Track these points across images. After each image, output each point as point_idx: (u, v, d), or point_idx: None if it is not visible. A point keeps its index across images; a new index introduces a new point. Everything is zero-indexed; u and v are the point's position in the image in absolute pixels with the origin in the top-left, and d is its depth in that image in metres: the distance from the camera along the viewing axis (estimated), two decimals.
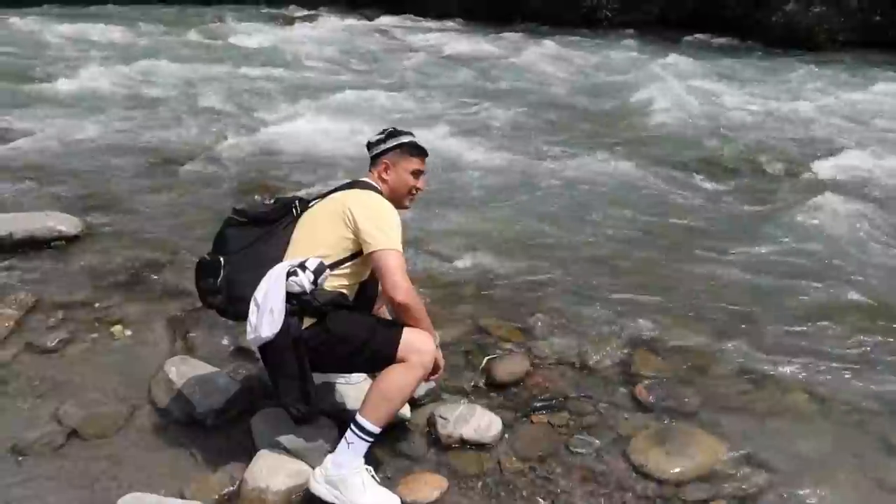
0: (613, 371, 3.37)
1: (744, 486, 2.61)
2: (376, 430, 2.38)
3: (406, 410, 2.90)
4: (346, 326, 2.42)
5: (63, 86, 8.86)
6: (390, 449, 2.76)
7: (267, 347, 2.42)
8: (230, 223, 2.61)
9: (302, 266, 2.36)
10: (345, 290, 2.52)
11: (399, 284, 2.37)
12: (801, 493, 2.60)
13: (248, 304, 2.37)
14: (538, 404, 3.10)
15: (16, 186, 5.32)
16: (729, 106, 9.50)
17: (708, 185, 6.30)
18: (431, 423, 2.88)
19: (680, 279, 4.37)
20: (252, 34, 14.76)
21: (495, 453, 2.77)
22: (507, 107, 8.93)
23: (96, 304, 3.71)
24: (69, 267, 4.09)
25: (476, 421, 2.85)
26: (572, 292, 4.15)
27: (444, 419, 2.85)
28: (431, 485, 2.56)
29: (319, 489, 2.37)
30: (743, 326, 3.81)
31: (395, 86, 9.87)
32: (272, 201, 2.72)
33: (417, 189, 2.73)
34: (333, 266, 2.46)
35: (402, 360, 2.36)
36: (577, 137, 7.79)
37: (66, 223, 4.48)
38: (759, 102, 9.80)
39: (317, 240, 2.49)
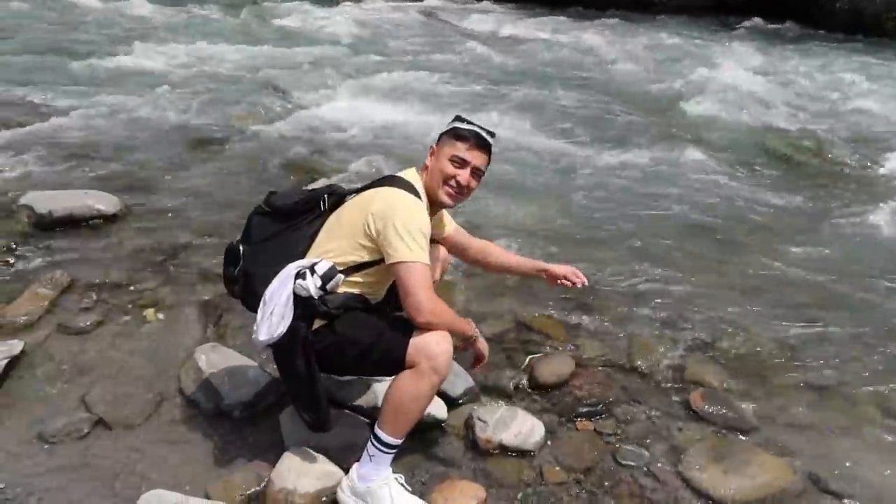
0: (666, 376, 3.16)
1: None
2: (396, 441, 2.22)
3: (442, 411, 2.74)
4: (354, 328, 2.25)
5: (109, 63, 8.86)
6: (424, 453, 2.61)
7: (274, 349, 2.29)
8: (257, 210, 2.46)
9: (312, 269, 2.20)
10: (368, 294, 2.35)
11: (420, 305, 2.14)
12: None
13: (260, 299, 2.23)
14: (584, 409, 2.91)
15: (57, 163, 5.28)
16: (790, 95, 9.04)
17: (768, 178, 5.97)
18: (469, 425, 2.72)
19: (738, 278, 4.11)
20: (298, 14, 14.63)
21: (537, 461, 2.60)
22: (558, 92, 8.64)
23: (131, 286, 3.62)
24: (106, 247, 4.02)
25: (517, 426, 2.67)
26: (621, 288, 3.93)
27: (484, 422, 2.69)
28: (468, 494, 2.39)
29: (348, 502, 2.24)
30: (807, 332, 3.54)
31: (443, 68, 9.64)
32: (309, 189, 2.54)
33: (457, 182, 2.37)
34: (354, 270, 2.28)
35: (413, 365, 2.16)
36: (630, 125, 7.48)
37: (105, 202, 4.42)
38: (823, 92, 9.31)
39: (338, 242, 2.31)
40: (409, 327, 2.20)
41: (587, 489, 2.48)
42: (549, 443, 2.69)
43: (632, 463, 2.60)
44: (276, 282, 2.19)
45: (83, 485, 2.37)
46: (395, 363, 2.19)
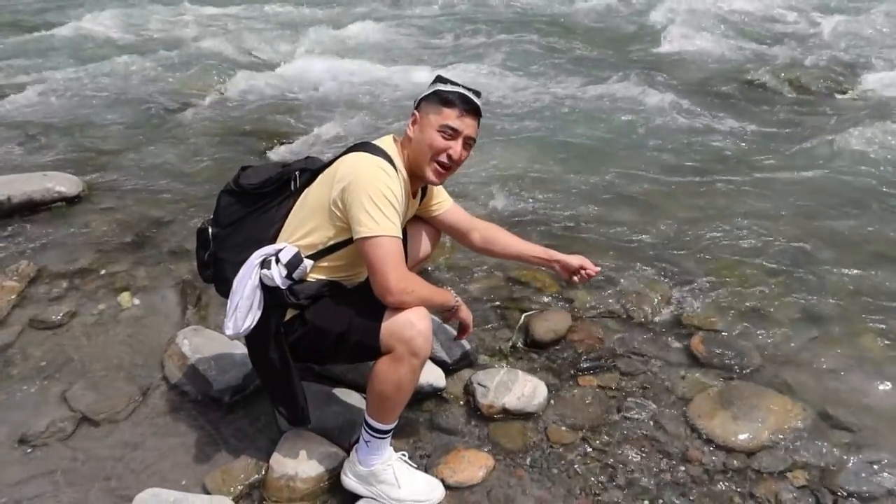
0: (663, 323, 3.10)
1: (824, 453, 2.36)
2: (388, 426, 2.11)
3: (440, 380, 2.66)
4: (324, 318, 2.10)
5: (59, 34, 8.37)
6: (426, 423, 2.53)
7: (247, 340, 2.17)
8: (226, 189, 2.28)
9: (277, 257, 2.04)
10: (344, 278, 2.19)
11: (388, 284, 1.95)
12: (892, 459, 2.34)
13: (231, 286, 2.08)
14: (584, 364, 2.84)
15: (11, 145, 5.01)
16: (761, 21, 8.85)
17: (745, 111, 5.85)
18: (470, 391, 2.64)
19: (725, 216, 4.03)
20: None
21: (542, 423, 2.54)
22: (524, 35, 8.32)
23: (101, 271, 3.46)
24: (71, 231, 3.82)
25: (519, 388, 2.60)
26: (609, 235, 3.83)
27: (484, 387, 2.61)
28: (476, 464, 2.33)
29: (352, 485, 2.16)
30: (801, 265, 3.50)
31: (405, 19, 9.29)
32: (282, 166, 2.29)
33: (449, 157, 2.12)
34: (326, 252, 2.12)
35: (390, 350, 2.01)
36: (600, 65, 7.23)
37: (65, 184, 4.20)
38: (796, 15, 9.12)
39: (307, 223, 2.12)
40: (382, 310, 2.02)
41: (595, 447, 2.42)
42: (552, 402, 2.62)
43: (638, 416, 2.55)
44: (241, 271, 2.05)
45: (73, 488, 2.26)
46: (370, 350, 2.04)
